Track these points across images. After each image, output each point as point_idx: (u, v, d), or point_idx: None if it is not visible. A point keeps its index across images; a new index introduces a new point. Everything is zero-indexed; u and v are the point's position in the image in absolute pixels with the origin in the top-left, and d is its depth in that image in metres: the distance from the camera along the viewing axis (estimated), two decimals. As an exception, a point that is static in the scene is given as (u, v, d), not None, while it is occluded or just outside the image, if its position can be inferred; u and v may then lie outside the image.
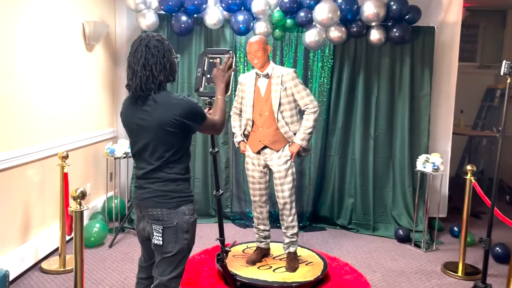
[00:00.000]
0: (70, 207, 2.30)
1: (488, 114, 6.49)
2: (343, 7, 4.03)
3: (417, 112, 4.38)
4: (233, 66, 2.23)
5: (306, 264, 3.38)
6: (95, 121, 4.31)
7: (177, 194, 1.97)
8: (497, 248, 3.79)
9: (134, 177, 3.77)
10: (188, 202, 2.01)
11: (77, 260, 2.22)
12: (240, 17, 4.12)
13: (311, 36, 4.10)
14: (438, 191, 4.30)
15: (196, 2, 4.10)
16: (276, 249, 3.58)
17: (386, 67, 4.36)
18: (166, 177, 1.96)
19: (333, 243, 4.14)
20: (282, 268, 3.31)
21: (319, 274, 3.21)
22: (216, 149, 2.66)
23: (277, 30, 4.21)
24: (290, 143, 3.23)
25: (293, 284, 3.07)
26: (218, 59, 2.25)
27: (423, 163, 3.96)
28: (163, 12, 4.26)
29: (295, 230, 3.33)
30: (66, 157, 3.35)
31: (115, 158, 4.06)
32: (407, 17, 4.17)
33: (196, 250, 3.77)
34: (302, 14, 4.08)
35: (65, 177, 3.33)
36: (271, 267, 3.34)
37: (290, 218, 3.30)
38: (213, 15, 4.17)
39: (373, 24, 4.12)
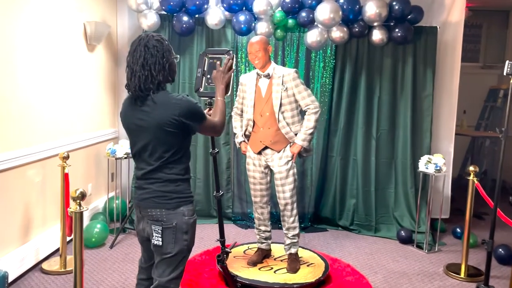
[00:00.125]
0: (70, 208, 2.29)
1: (491, 114, 6.46)
2: (345, 7, 4.02)
3: (419, 113, 4.36)
4: (233, 67, 2.22)
5: (307, 265, 3.36)
6: (96, 122, 4.31)
7: (177, 194, 1.97)
8: (500, 250, 3.76)
9: (134, 177, 3.77)
10: (188, 203, 2.00)
11: (77, 261, 2.21)
12: (242, 17, 4.11)
13: (313, 36, 4.08)
14: (440, 192, 4.28)
15: (197, 2, 4.10)
16: (277, 250, 3.56)
17: (388, 68, 4.34)
18: (166, 178, 1.95)
19: (334, 244, 4.12)
20: (283, 269, 3.29)
21: (320, 275, 3.19)
22: (216, 150, 2.65)
23: (278, 30, 4.20)
24: (291, 143, 3.22)
25: (294, 286, 3.05)
26: (218, 60, 2.25)
27: (425, 164, 3.94)
28: (165, 12, 4.26)
29: (296, 231, 3.32)
30: (67, 157, 3.34)
31: (116, 159, 4.06)
32: (409, 17, 4.15)
33: (197, 251, 3.77)
34: (303, 14, 4.07)
35: (66, 177, 3.32)
36: (272, 268, 3.32)
37: (291, 219, 3.28)
38: (215, 15, 4.16)
39: (375, 24, 4.11)
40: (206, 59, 2.34)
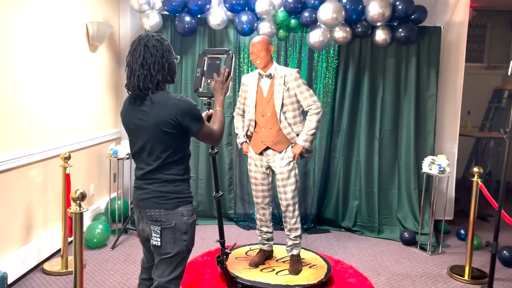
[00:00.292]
0: (70, 209, 2.28)
1: (495, 115, 6.42)
2: (348, 7, 4.00)
3: (423, 113, 4.34)
4: (231, 75, 2.21)
5: (310, 267, 3.34)
6: (98, 122, 4.30)
7: (175, 195, 1.96)
8: (505, 252, 3.73)
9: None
10: (187, 203, 2.00)
11: (77, 262, 2.20)
12: (244, 18, 4.10)
13: (315, 37, 4.06)
14: (444, 193, 4.25)
15: (199, 3, 4.09)
16: (279, 251, 3.54)
17: (391, 68, 4.32)
18: (164, 178, 1.95)
19: (337, 245, 4.10)
20: (285, 270, 3.27)
21: (323, 277, 3.17)
22: (216, 150, 2.64)
23: (281, 31, 4.18)
24: (293, 144, 3.20)
25: (296, 287, 3.03)
26: (217, 60, 2.25)
27: (429, 165, 3.91)
28: (167, 13, 4.25)
29: (298, 232, 3.30)
30: (69, 158, 3.34)
31: (118, 159, 4.05)
32: (413, 17, 4.12)
33: (198, 252, 3.75)
34: (306, 14, 4.05)
35: (67, 178, 3.32)
36: (274, 269, 3.30)
37: (293, 220, 3.26)
38: (217, 15, 4.15)
39: (379, 24, 4.08)
40: (206, 59, 2.33)
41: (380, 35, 4.11)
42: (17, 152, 3.05)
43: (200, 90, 2.33)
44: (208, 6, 4.16)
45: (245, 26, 4.11)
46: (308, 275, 3.20)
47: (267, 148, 3.23)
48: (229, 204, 4.58)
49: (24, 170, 3.17)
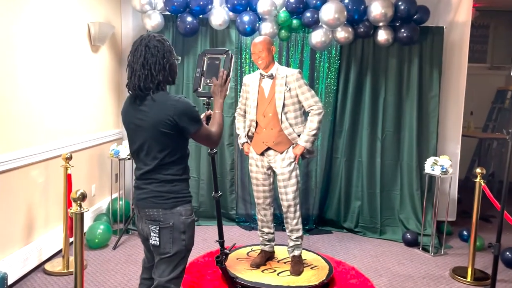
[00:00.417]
0: (70, 209, 2.28)
1: (498, 116, 6.40)
2: (350, 7, 3.98)
3: (425, 114, 4.32)
4: (230, 77, 2.22)
5: (311, 268, 3.33)
6: (100, 122, 4.30)
7: (173, 194, 1.97)
8: (507, 253, 3.71)
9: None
10: (185, 203, 2.00)
11: (77, 262, 2.20)
12: (246, 18, 4.09)
13: (317, 37, 4.05)
14: (447, 194, 4.22)
15: (201, 3, 4.08)
16: (281, 252, 3.53)
17: (393, 68, 4.30)
18: (162, 178, 1.96)
19: (339, 246, 4.08)
20: (287, 271, 3.26)
21: (324, 278, 3.16)
22: (215, 150, 2.63)
23: (283, 31, 4.17)
24: (294, 145, 3.19)
25: (298, 288, 3.03)
26: (217, 60, 2.26)
27: (431, 166, 3.90)
28: (169, 13, 4.25)
29: (300, 233, 3.28)
30: (70, 158, 3.34)
31: (120, 159, 4.05)
32: (415, 17, 4.11)
33: (200, 252, 3.75)
34: (308, 14, 4.04)
35: (68, 178, 3.32)
36: (275, 270, 3.29)
37: (295, 221, 3.25)
38: (219, 15, 4.15)
39: (381, 24, 4.07)
40: (205, 59, 2.34)
41: (382, 36, 4.10)
42: (19, 152, 3.05)
43: (200, 90, 2.34)
44: (210, 7, 4.16)
45: (247, 26, 4.10)
46: (310, 276, 3.19)
47: (268, 148, 3.22)
48: (230, 204, 4.57)
49: (26, 170, 3.17)
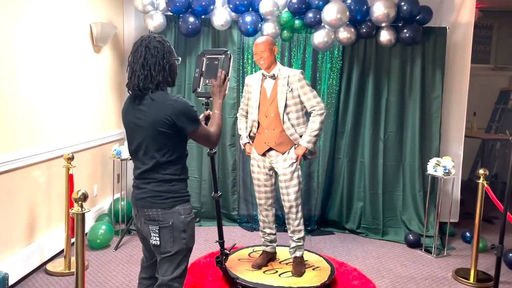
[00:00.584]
0: (72, 209, 2.28)
1: (502, 116, 6.37)
2: (352, 7, 3.97)
3: (428, 115, 4.30)
4: (228, 76, 2.23)
5: (313, 269, 3.32)
6: (102, 123, 4.31)
7: (172, 194, 1.97)
8: (510, 255, 3.69)
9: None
10: (184, 202, 2.01)
11: (79, 262, 2.19)
12: (248, 18, 4.09)
13: (319, 37, 4.04)
14: (449, 195, 4.21)
15: (203, 3, 4.08)
16: (283, 253, 3.52)
17: (396, 69, 4.29)
18: (161, 178, 1.96)
19: (341, 247, 4.07)
20: (288, 272, 3.26)
21: (326, 279, 3.15)
22: (214, 150, 2.63)
23: (285, 31, 4.16)
24: (296, 145, 3.18)
25: (299, 290, 3.02)
26: (216, 61, 2.27)
27: (434, 167, 3.88)
28: (171, 13, 4.25)
29: (302, 234, 3.27)
30: (72, 158, 3.34)
31: (121, 160, 4.05)
32: (418, 17, 4.09)
33: (201, 253, 3.74)
34: (310, 15, 4.03)
35: (70, 178, 3.32)
36: (277, 271, 3.29)
37: (296, 222, 3.24)
38: (221, 16, 4.14)
39: (383, 24, 4.06)
40: (204, 60, 2.35)
41: (385, 36, 4.09)
42: (21, 153, 3.05)
43: (199, 90, 2.35)
44: (212, 7, 4.16)
45: (249, 26, 4.09)
46: (311, 277, 3.18)
47: (270, 149, 3.22)
48: (232, 205, 4.56)
49: (28, 170, 3.17)
